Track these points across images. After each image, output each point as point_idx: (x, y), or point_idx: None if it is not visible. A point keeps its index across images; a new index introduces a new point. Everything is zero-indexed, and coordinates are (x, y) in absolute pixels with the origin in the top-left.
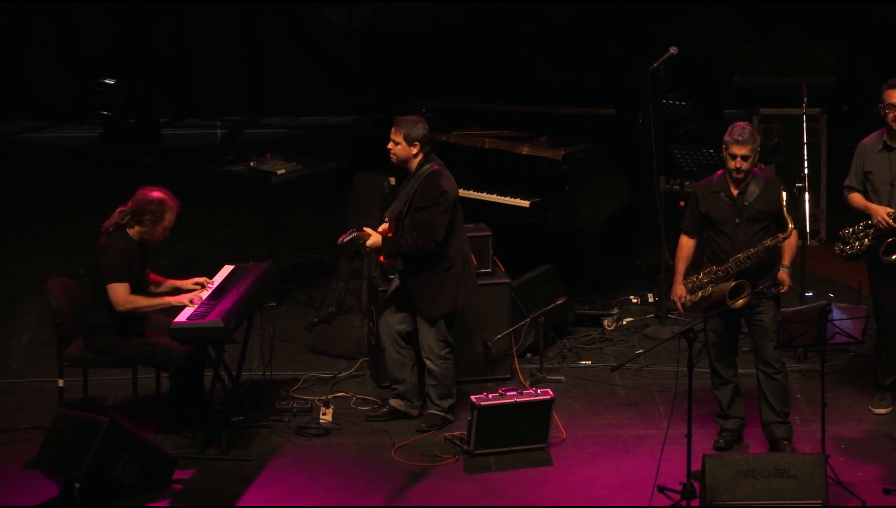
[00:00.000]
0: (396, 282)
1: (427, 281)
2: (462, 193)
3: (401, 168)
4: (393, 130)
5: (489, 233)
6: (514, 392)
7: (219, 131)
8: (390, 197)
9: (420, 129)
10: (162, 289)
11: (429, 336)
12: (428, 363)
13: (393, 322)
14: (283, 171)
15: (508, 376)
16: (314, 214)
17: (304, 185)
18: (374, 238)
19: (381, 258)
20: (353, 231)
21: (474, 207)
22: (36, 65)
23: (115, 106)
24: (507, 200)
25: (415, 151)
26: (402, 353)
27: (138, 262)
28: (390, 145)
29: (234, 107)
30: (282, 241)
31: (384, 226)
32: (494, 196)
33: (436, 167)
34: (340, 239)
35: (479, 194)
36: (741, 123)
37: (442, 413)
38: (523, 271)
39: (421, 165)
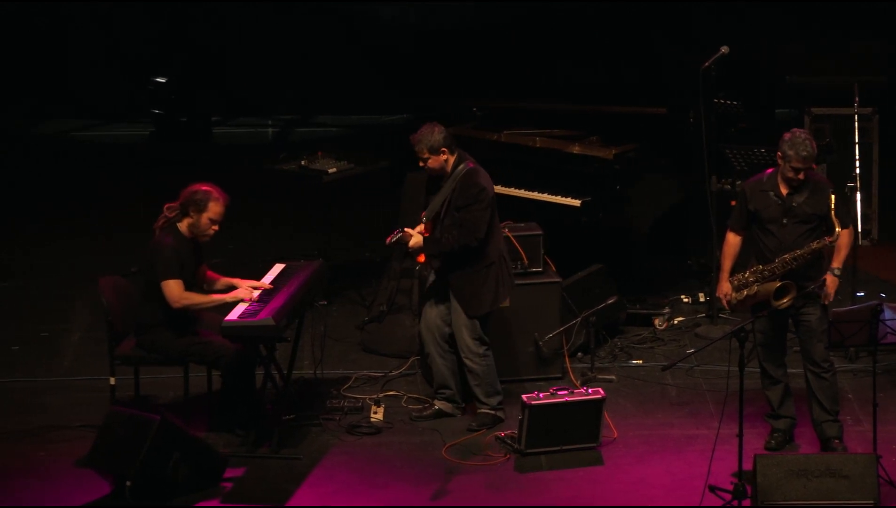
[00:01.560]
0: (430, 284)
1: (468, 280)
2: (513, 192)
3: (439, 176)
4: (416, 150)
5: (540, 232)
6: (566, 392)
7: (270, 130)
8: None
9: (437, 134)
10: (217, 286)
11: (465, 336)
12: (468, 362)
13: (435, 327)
14: (335, 170)
15: (559, 375)
16: (365, 213)
17: (355, 184)
18: (416, 239)
19: (421, 258)
20: (399, 232)
21: (525, 206)
22: (80, 62)
23: (167, 104)
24: (559, 199)
25: (444, 156)
26: (447, 359)
27: (191, 258)
28: (421, 164)
29: (285, 105)
30: (333, 239)
31: (420, 227)
32: (546, 195)
33: (471, 165)
34: (388, 239)
35: (531, 193)
36: (803, 135)
37: (492, 411)
38: (574, 271)
39: (455, 165)
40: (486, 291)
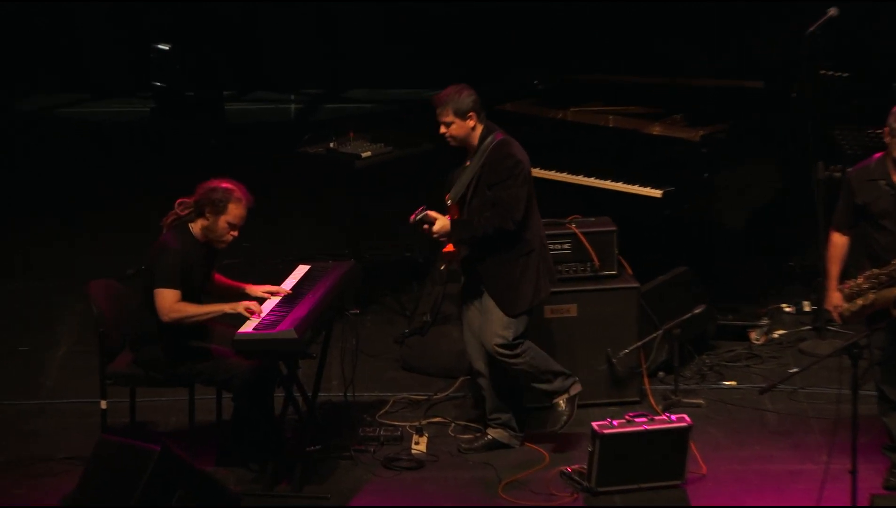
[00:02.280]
0: (468, 287)
1: (504, 270)
2: (580, 180)
3: (461, 149)
4: (437, 111)
5: (614, 228)
6: (644, 419)
7: (293, 106)
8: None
9: (467, 97)
10: (224, 293)
11: (491, 339)
12: (509, 369)
13: (482, 335)
14: (369, 153)
15: (637, 399)
16: (405, 204)
17: (393, 170)
18: (442, 222)
19: (450, 247)
20: (425, 208)
21: (595, 197)
22: (68, 25)
23: (171, 76)
24: (635, 189)
25: (472, 123)
26: (499, 375)
27: (201, 266)
28: (442, 130)
29: (311, 77)
30: (367, 236)
31: (447, 213)
32: (620, 185)
33: (501, 136)
34: (412, 216)
35: (602, 181)
36: None
37: (565, 395)
38: (654, 274)
39: (483, 137)
40: (525, 283)
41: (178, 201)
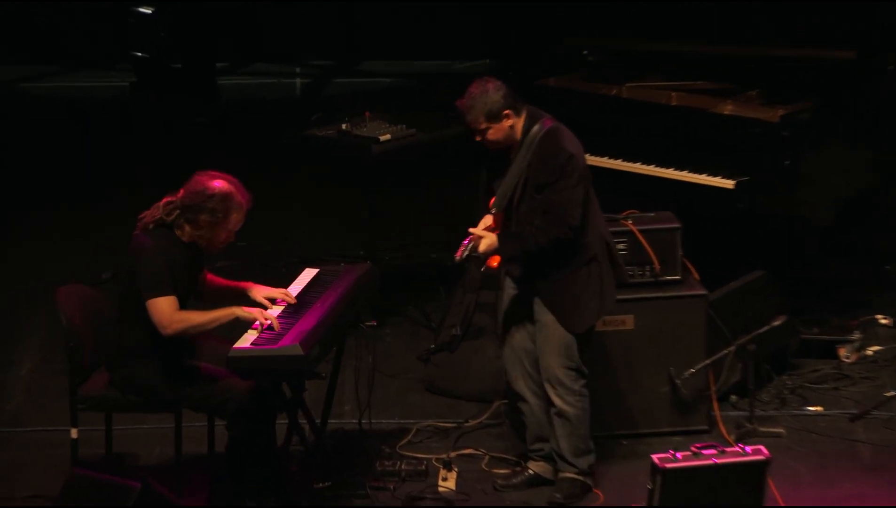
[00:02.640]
0: (510, 293)
1: (565, 283)
2: (638, 168)
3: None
4: (468, 120)
5: (678, 225)
6: (713, 451)
7: (298, 81)
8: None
9: (495, 92)
10: (227, 296)
11: (557, 365)
12: (558, 401)
13: (524, 355)
14: (388, 136)
15: (705, 427)
16: (431, 196)
17: (417, 156)
18: (488, 240)
19: (494, 263)
20: (473, 241)
21: (656, 189)
22: None
23: (154, 45)
24: (703, 179)
25: (509, 122)
26: (543, 399)
27: (187, 268)
28: (477, 138)
29: (320, 46)
30: (385, 234)
31: (486, 220)
32: (685, 174)
33: (549, 124)
34: (458, 253)
35: (664, 170)
36: None
37: (580, 477)
38: (725, 279)
39: (527, 128)
40: (589, 295)
41: (165, 200)
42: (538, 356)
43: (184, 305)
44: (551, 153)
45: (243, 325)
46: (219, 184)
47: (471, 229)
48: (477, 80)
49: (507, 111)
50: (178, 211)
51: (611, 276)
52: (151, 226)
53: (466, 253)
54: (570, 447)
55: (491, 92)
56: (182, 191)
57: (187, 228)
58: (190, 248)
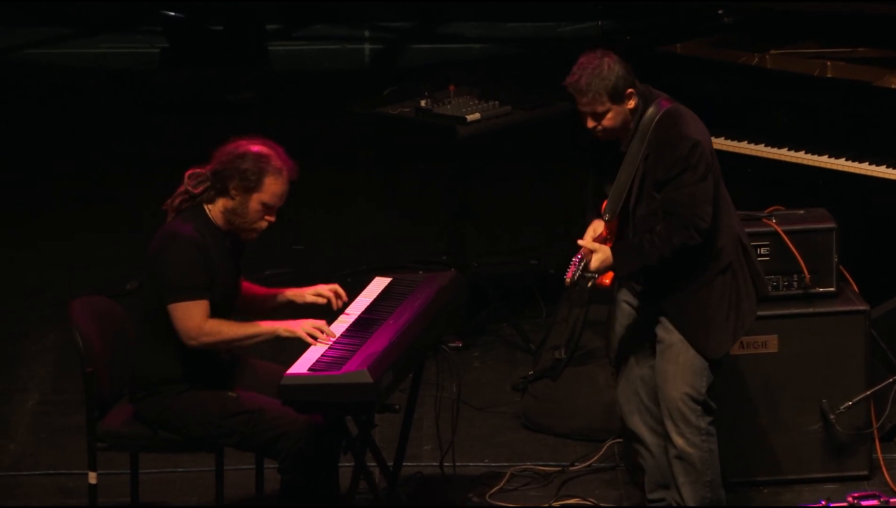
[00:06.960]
0: (625, 308)
1: (694, 298)
2: (784, 155)
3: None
4: (583, 100)
5: (833, 225)
6: (875, 501)
7: (367, 47)
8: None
9: (615, 67)
10: (260, 307)
11: (678, 392)
12: (679, 440)
13: (642, 387)
14: (478, 116)
15: (865, 472)
16: (530, 191)
17: (512, 140)
18: (601, 254)
19: (607, 280)
20: (584, 256)
21: (805, 180)
22: None
23: (188, 5)
24: (866, 168)
25: (632, 103)
26: (664, 438)
27: (226, 265)
28: (591, 124)
29: (393, 6)
30: (473, 236)
31: (597, 225)
32: (843, 162)
33: (666, 105)
34: (569, 273)
35: (817, 158)
36: None
37: None
38: (890, 293)
39: (641, 111)
40: (725, 313)
41: (189, 172)
42: (657, 385)
43: (228, 314)
44: (671, 142)
45: (299, 348)
46: (254, 146)
47: (580, 242)
48: (589, 51)
49: (630, 89)
50: (207, 181)
51: (750, 288)
52: (183, 206)
53: (579, 273)
54: (694, 496)
55: (611, 66)
56: (212, 159)
57: (220, 201)
58: (227, 237)
